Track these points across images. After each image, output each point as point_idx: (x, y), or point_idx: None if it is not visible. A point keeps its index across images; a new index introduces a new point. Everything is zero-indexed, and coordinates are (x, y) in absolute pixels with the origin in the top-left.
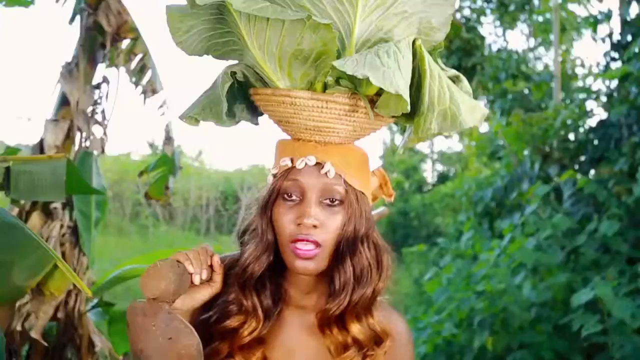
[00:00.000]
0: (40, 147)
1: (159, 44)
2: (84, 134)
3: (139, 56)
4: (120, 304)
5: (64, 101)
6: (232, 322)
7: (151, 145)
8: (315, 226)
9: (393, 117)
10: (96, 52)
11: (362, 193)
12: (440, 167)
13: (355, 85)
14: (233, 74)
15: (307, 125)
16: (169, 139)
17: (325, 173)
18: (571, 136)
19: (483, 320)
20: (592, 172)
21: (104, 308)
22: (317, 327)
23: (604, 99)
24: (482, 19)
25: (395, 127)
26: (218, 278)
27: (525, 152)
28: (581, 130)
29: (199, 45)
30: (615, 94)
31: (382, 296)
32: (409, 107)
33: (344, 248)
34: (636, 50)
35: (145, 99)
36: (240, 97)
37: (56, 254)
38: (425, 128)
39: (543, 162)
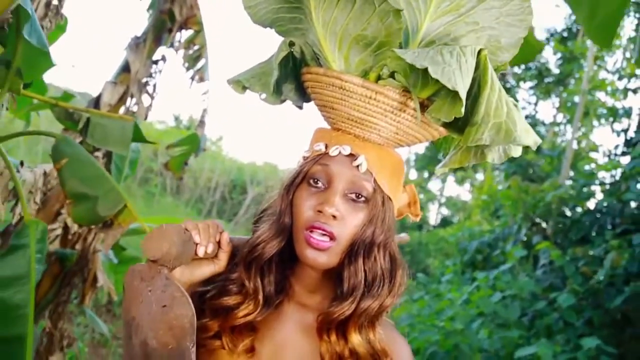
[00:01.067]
0: (96, 102)
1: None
2: (134, 100)
3: (197, 47)
4: None
5: (125, 68)
6: (229, 300)
7: (176, 119)
8: (334, 217)
9: (443, 125)
10: (162, 33)
11: (389, 199)
12: (445, 212)
13: (409, 83)
14: (291, 43)
15: (350, 114)
16: (202, 123)
17: (357, 166)
18: (568, 213)
19: (435, 352)
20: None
21: (115, 250)
22: (316, 330)
23: (608, 186)
24: (521, 83)
25: (412, 162)
26: (223, 256)
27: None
28: (579, 209)
29: (265, 15)
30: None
31: (388, 314)
32: (463, 110)
33: (359, 249)
34: None
35: (192, 83)
36: (292, 76)
37: (126, 196)
38: (476, 138)
39: (530, 229)
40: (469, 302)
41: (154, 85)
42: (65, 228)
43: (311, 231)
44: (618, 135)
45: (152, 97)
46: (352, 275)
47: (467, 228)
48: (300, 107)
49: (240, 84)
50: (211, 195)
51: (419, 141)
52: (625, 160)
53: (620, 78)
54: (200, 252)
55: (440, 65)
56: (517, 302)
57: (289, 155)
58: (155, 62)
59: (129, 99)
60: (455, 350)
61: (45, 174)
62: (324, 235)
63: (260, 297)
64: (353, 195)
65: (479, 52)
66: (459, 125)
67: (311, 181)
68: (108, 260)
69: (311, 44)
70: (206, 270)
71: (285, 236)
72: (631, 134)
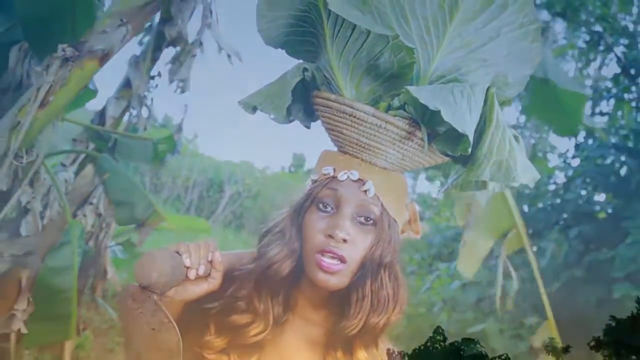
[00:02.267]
0: (101, 115)
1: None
2: (135, 113)
3: (181, 62)
4: None
5: (126, 84)
6: (239, 319)
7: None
8: (345, 240)
9: (446, 156)
10: (157, 52)
11: (395, 221)
12: (417, 208)
13: (418, 115)
14: (305, 70)
15: (359, 140)
16: (179, 129)
17: (365, 191)
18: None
19: (399, 334)
20: None
21: (125, 247)
22: (323, 345)
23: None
24: None
25: None
26: (217, 275)
27: None
28: (540, 206)
29: (277, 37)
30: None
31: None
32: (470, 150)
33: (367, 271)
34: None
35: (175, 92)
36: (302, 97)
37: (155, 203)
38: (477, 173)
39: None
40: (431, 290)
41: (152, 99)
42: None
43: (322, 254)
44: (569, 139)
45: (150, 110)
46: (360, 296)
47: (434, 223)
48: (308, 127)
49: (250, 104)
50: (189, 194)
51: (422, 166)
52: (576, 162)
53: None
54: (191, 275)
55: (451, 107)
56: (474, 289)
57: (265, 154)
58: (152, 78)
59: (130, 111)
60: (418, 332)
61: (65, 181)
62: (334, 258)
63: (271, 317)
64: (362, 219)
65: (487, 89)
66: (462, 156)
67: (320, 205)
68: (115, 257)
69: (322, 68)
70: (200, 289)
71: (295, 258)
72: (580, 139)
